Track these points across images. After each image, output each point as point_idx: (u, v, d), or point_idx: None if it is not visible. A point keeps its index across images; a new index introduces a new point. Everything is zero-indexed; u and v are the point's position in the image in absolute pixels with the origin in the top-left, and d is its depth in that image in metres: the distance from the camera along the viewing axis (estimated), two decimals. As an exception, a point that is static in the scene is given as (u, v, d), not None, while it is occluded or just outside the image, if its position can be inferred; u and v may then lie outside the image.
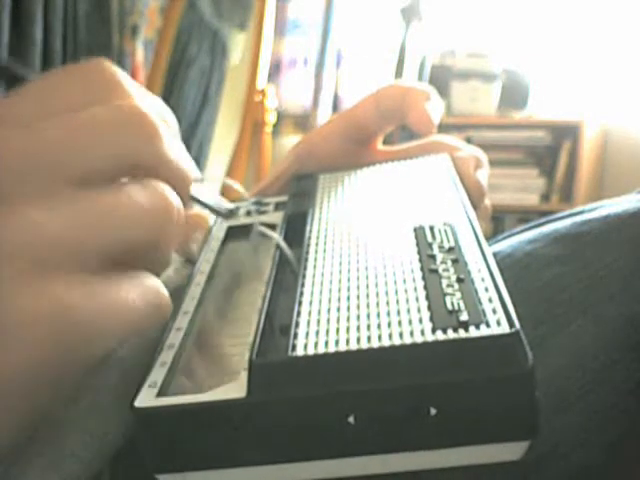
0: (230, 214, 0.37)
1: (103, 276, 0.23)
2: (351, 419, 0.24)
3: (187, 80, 1.73)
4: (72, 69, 0.26)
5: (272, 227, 0.38)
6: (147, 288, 0.25)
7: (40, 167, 0.23)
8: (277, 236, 0.34)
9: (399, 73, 2.26)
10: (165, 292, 0.25)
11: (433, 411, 0.23)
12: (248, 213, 0.40)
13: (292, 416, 0.24)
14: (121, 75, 0.26)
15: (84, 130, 0.24)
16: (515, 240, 0.40)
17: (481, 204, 0.41)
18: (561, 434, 0.34)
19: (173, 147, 0.26)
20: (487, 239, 0.32)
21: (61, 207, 0.23)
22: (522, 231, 0.41)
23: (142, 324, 0.24)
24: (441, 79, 2.48)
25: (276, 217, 0.39)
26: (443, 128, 0.41)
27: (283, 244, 0.33)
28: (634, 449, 0.34)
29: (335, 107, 2.51)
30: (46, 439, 0.28)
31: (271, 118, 1.79)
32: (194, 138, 1.71)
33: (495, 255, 0.38)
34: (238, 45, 1.83)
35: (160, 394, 0.26)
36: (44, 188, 0.23)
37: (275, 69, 2.41)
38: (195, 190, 0.31)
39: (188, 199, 0.28)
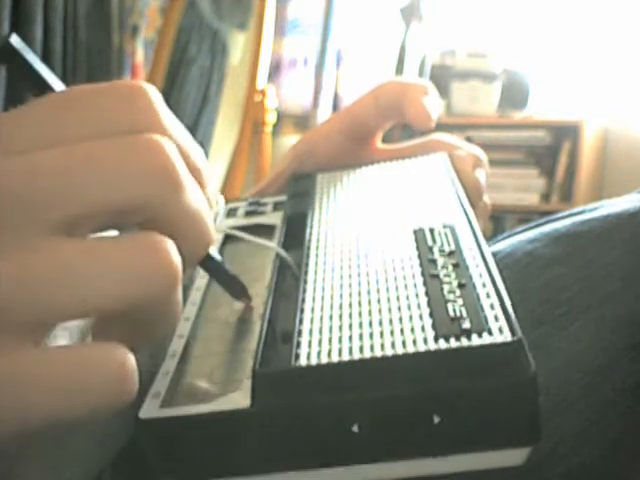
0: (244, 292, 0.31)
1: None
2: (355, 428, 0.24)
3: (187, 80, 1.73)
4: (101, 86, 0.22)
5: (271, 227, 0.38)
6: (106, 362, 0.20)
7: (15, 197, 0.20)
8: (276, 245, 0.34)
9: (399, 73, 2.26)
10: (132, 375, 0.21)
11: (436, 419, 0.23)
12: (247, 213, 0.40)
13: (296, 425, 0.24)
14: (159, 103, 0.22)
15: (82, 166, 0.20)
16: (515, 240, 0.40)
17: (479, 202, 0.41)
18: (561, 434, 0.33)
19: (195, 199, 0.22)
20: (487, 239, 0.31)
21: (19, 257, 0.20)
22: (522, 231, 0.41)
23: (88, 405, 0.20)
24: (441, 79, 2.48)
25: (275, 217, 0.39)
26: (443, 128, 0.41)
27: (283, 253, 0.33)
28: (634, 449, 0.34)
29: (335, 107, 2.51)
30: (46, 440, 0.28)
31: (271, 118, 1.79)
32: (194, 138, 1.71)
33: (495, 255, 0.38)
34: (238, 45, 1.83)
35: (164, 405, 0.26)
36: (14, 233, 0.20)
37: (275, 69, 2.41)
38: (214, 253, 0.27)
39: (199, 262, 0.25)
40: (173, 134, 0.23)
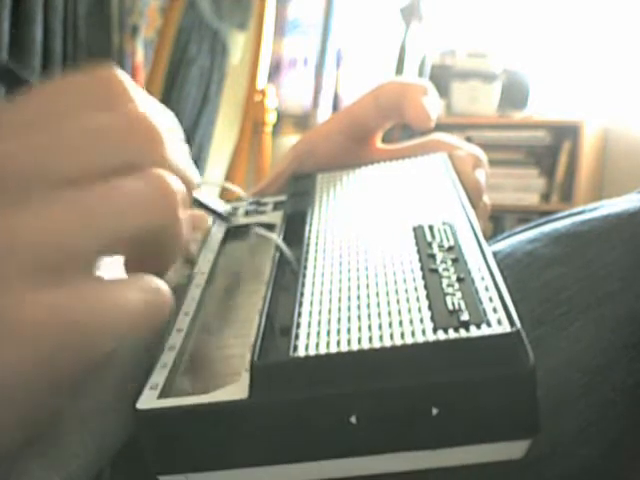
0: (230, 219, 0.38)
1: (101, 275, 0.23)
2: (353, 419, 0.24)
3: (187, 80, 1.73)
4: (78, 75, 0.25)
5: (271, 227, 0.38)
6: (147, 287, 0.24)
7: (21, 172, 0.23)
8: (276, 237, 0.34)
9: (399, 73, 2.27)
10: (167, 292, 0.25)
11: (435, 411, 0.23)
12: (247, 213, 0.40)
13: (294, 417, 0.24)
14: (128, 82, 0.26)
15: (77, 134, 0.24)
16: (515, 240, 0.40)
17: (479, 202, 0.41)
18: (561, 434, 0.33)
19: (176, 152, 0.26)
20: (487, 239, 0.31)
21: (43, 208, 0.22)
22: (522, 231, 0.41)
23: (141, 324, 0.24)
24: (441, 79, 2.48)
25: (275, 217, 0.39)
26: (443, 128, 0.41)
27: (282, 245, 0.33)
28: (634, 449, 0.34)
29: (335, 107, 2.51)
30: (46, 439, 0.28)
31: (271, 118, 1.79)
32: (194, 138, 1.71)
33: (495, 255, 0.38)
34: (238, 45, 1.83)
35: (162, 396, 0.26)
36: (25, 193, 0.22)
37: (275, 69, 2.41)
38: (198, 194, 0.31)
39: (190, 201, 0.28)
40: (145, 102, 0.26)
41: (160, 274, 0.26)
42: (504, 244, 0.40)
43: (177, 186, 0.25)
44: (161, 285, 0.25)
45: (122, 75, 0.26)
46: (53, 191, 0.23)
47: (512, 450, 0.24)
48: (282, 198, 0.41)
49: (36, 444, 0.28)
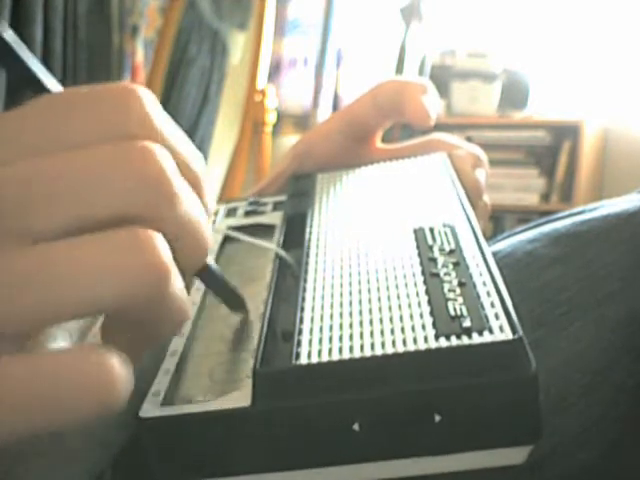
0: (240, 306, 0.31)
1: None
2: (356, 426, 0.24)
3: (187, 80, 1.73)
4: (96, 90, 0.21)
5: (270, 227, 0.38)
6: (87, 369, 0.19)
7: (5, 214, 0.19)
8: (275, 247, 0.34)
9: (399, 73, 2.27)
10: (119, 382, 0.19)
11: (437, 417, 0.23)
12: (246, 213, 0.40)
13: (297, 424, 0.24)
14: (154, 108, 0.21)
15: (69, 175, 0.19)
16: (515, 240, 0.40)
17: (479, 202, 0.41)
18: (561, 434, 0.33)
19: (191, 209, 0.21)
20: (487, 239, 0.31)
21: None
22: (522, 231, 0.41)
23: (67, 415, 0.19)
24: (441, 79, 2.47)
25: (274, 217, 0.39)
26: (443, 128, 0.41)
27: (282, 252, 0.33)
28: (634, 449, 0.34)
29: (335, 107, 2.51)
30: (47, 440, 0.28)
31: (271, 118, 1.79)
32: (194, 138, 1.71)
33: (495, 254, 0.38)
34: (238, 45, 1.83)
35: (164, 403, 0.26)
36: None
37: (275, 69, 2.41)
38: (212, 266, 0.26)
39: (195, 273, 0.24)
40: (169, 140, 0.21)
41: (149, 345, 0.22)
42: (504, 244, 0.40)
43: (165, 255, 0.20)
44: (114, 374, 0.19)
45: (146, 99, 0.21)
46: (14, 244, 0.19)
47: (513, 455, 0.24)
48: (282, 198, 0.41)
49: (36, 445, 0.28)
